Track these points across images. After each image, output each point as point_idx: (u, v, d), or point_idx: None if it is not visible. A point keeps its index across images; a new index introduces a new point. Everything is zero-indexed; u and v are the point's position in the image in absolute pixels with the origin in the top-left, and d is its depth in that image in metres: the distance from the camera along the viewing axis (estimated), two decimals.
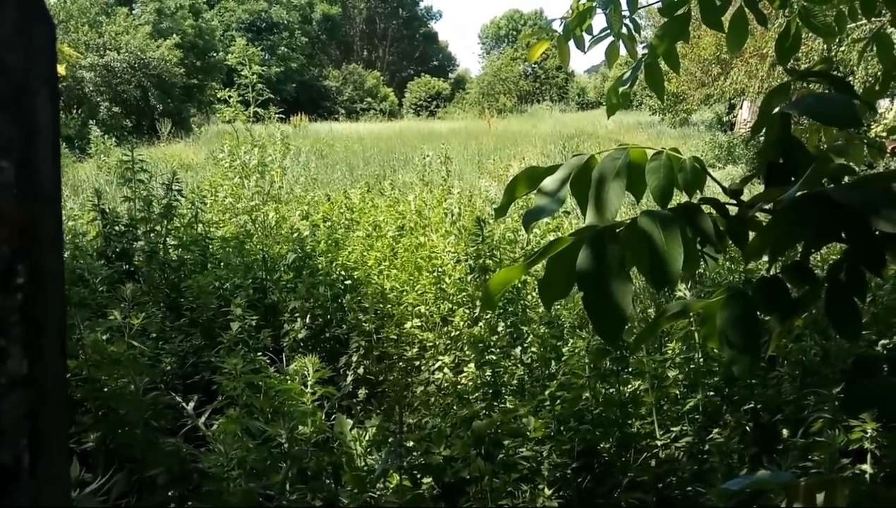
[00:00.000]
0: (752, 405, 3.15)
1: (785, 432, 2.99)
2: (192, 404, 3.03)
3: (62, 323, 0.54)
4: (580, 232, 1.15)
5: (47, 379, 0.52)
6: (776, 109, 1.39)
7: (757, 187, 1.38)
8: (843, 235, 1.15)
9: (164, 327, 4.00)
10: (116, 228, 5.14)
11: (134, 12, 34.20)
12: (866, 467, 2.61)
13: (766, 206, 1.21)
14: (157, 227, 5.19)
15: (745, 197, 1.32)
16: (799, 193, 1.08)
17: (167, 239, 5.20)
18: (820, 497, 1.12)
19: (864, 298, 1.24)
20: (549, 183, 1.30)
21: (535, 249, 5.19)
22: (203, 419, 3.04)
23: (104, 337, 2.98)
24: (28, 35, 0.49)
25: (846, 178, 1.32)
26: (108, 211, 5.16)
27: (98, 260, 4.78)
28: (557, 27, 3.06)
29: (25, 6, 0.48)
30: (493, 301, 1.27)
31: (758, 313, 1.22)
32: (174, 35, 30.57)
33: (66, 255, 4.72)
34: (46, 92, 0.51)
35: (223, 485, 2.49)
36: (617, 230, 1.14)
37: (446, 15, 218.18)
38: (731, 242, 1.33)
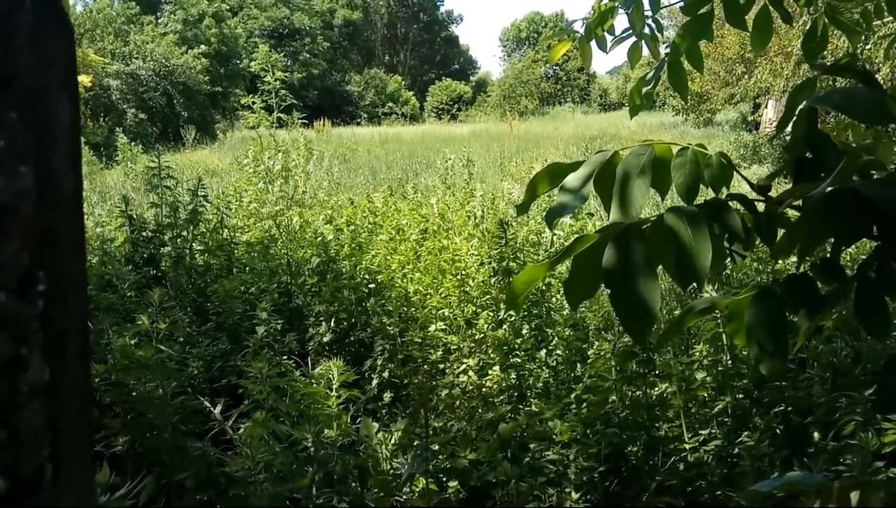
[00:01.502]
0: (782, 407, 3.11)
1: (816, 435, 2.95)
2: (218, 408, 3.05)
3: (84, 329, 0.54)
4: (605, 229, 1.14)
5: (69, 387, 0.51)
6: (802, 105, 1.37)
7: (784, 185, 1.36)
8: (873, 232, 1.13)
9: (191, 331, 4.03)
10: (144, 234, 5.21)
11: (160, 21, 34.67)
12: None
13: (795, 203, 1.18)
14: (184, 233, 5.24)
15: (773, 194, 1.30)
16: (829, 189, 1.06)
17: (193, 244, 5.26)
18: (854, 499, 1.10)
19: (894, 296, 1.21)
20: (571, 180, 1.29)
21: (558, 252, 5.15)
22: (230, 423, 3.06)
23: (132, 342, 3.02)
24: (44, 40, 0.49)
25: (876, 174, 1.29)
26: (135, 217, 5.23)
27: (126, 265, 4.84)
28: (579, 28, 3.05)
29: (41, 11, 0.48)
30: (517, 301, 1.26)
31: (786, 312, 1.20)
32: (200, 45, 30.95)
33: (94, 261, 4.79)
34: (65, 97, 0.51)
35: (250, 489, 2.50)
36: (643, 227, 1.13)
37: (467, 18, 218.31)
38: (758, 241, 1.31)
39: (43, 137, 0.48)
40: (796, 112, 1.38)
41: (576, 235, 5.48)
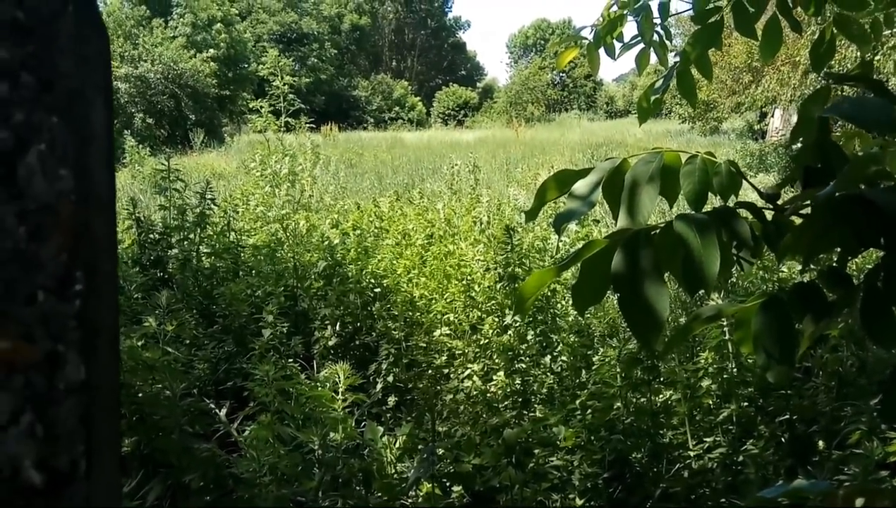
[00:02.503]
0: (787, 416, 3.10)
1: (821, 443, 2.94)
2: (224, 410, 3.06)
3: (116, 326, 0.55)
4: (614, 235, 1.15)
5: (102, 382, 0.52)
6: (814, 114, 1.38)
7: (793, 194, 1.36)
8: (881, 241, 1.14)
9: (198, 334, 4.04)
10: (151, 236, 5.24)
11: (169, 24, 34.82)
12: None
13: (804, 211, 1.19)
14: (191, 235, 5.27)
15: (781, 202, 1.30)
16: (837, 194, 1.07)
17: (200, 247, 5.28)
18: (859, 505, 1.11)
19: None
20: (580, 186, 1.30)
21: (565, 257, 5.17)
22: (235, 425, 3.07)
23: (139, 344, 3.03)
24: (84, 43, 0.50)
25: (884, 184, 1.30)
26: (143, 219, 5.26)
27: (133, 267, 4.87)
28: (587, 35, 3.05)
29: (82, 15, 0.49)
30: (525, 305, 1.27)
31: (794, 321, 1.20)
32: (209, 49, 31.08)
33: None
34: (101, 99, 0.52)
35: (255, 491, 2.51)
36: (652, 233, 1.14)
37: (474, 25, 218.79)
38: (766, 249, 1.31)
39: (81, 139, 0.49)
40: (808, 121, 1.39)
41: (581, 241, 5.49)
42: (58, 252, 0.47)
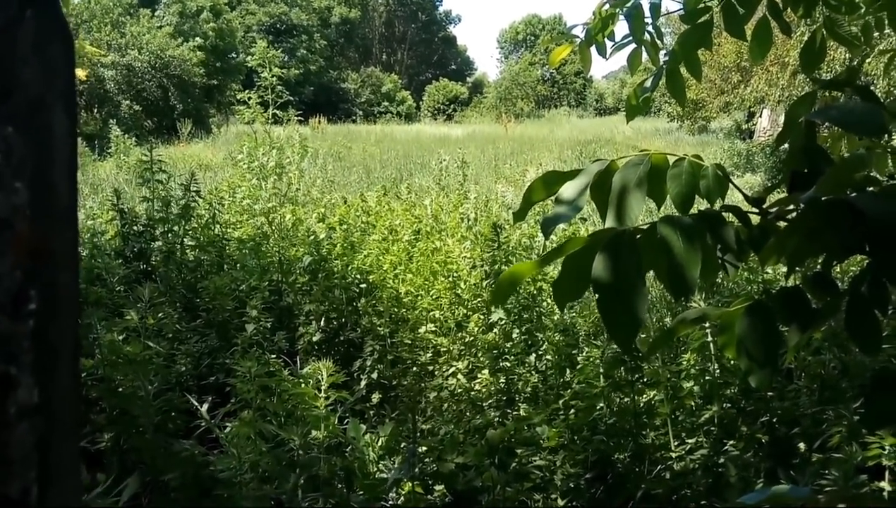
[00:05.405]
0: (768, 418, 3.11)
1: (801, 446, 2.95)
2: (205, 406, 3.03)
3: (76, 345, 0.52)
4: (597, 234, 1.13)
5: (59, 405, 0.49)
6: (801, 118, 1.37)
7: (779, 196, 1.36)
8: (866, 247, 1.13)
9: (180, 328, 4.01)
10: (135, 228, 5.18)
11: (156, 14, 34.52)
12: (885, 484, 2.57)
13: (790, 216, 1.19)
14: (175, 228, 5.22)
15: (767, 205, 1.30)
16: (823, 198, 1.06)
17: (185, 239, 5.23)
18: None
19: (886, 312, 1.21)
20: (568, 189, 1.29)
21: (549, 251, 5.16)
22: (216, 421, 3.05)
23: (120, 338, 3.00)
24: (45, 51, 0.48)
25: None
26: (126, 210, 5.20)
27: (116, 259, 4.82)
28: (579, 33, 3.05)
29: (43, 20, 0.47)
30: (503, 295, 1.26)
31: (777, 324, 1.20)
32: (196, 38, 30.84)
33: (84, 254, 4.75)
34: (62, 105, 0.49)
35: (236, 489, 2.49)
36: (637, 236, 1.13)
37: (465, 19, 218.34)
38: (751, 252, 1.30)
39: (39, 151, 0.46)
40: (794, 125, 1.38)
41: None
42: (12, 269, 0.44)
